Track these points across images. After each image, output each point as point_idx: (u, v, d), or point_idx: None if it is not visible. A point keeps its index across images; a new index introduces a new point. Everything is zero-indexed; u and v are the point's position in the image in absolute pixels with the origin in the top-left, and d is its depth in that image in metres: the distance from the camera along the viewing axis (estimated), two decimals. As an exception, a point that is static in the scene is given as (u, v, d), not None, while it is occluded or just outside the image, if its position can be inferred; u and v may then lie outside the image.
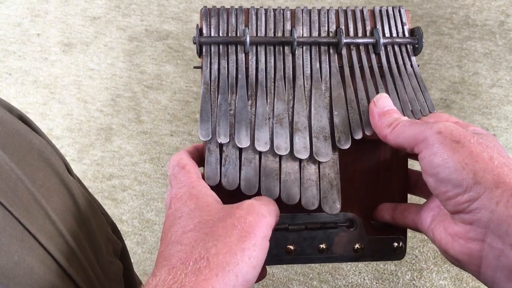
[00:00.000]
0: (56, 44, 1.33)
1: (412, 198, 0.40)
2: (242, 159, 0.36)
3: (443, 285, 0.85)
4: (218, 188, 0.35)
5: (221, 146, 0.36)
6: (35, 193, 0.33)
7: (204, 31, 0.39)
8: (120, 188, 1.00)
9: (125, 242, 0.48)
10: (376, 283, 0.85)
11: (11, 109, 0.37)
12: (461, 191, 0.29)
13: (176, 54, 1.31)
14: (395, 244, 0.39)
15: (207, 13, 0.39)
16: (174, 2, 1.48)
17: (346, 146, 0.36)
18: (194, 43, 0.38)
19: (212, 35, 0.39)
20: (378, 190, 0.40)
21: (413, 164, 0.40)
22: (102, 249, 0.39)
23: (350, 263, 0.87)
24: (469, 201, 0.29)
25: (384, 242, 0.39)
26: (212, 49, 0.38)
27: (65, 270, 0.32)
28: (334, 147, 0.37)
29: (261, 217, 0.29)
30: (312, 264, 0.87)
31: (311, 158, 0.36)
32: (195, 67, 0.40)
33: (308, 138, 0.36)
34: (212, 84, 0.38)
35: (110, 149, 1.08)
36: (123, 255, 0.46)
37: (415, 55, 0.41)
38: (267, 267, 0.40)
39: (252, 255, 0.28)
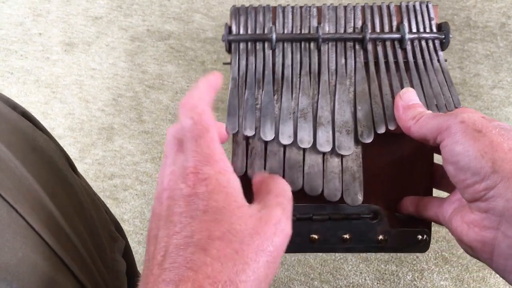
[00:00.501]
0: (58, 44, 1.33)
1: (441, 194, 0.39)
2: (268, 151, 0.37)
3: (444, 286, 0.84)
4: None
5: (247, 138, 0.37)
6: (39, 190, 0.33)
7: (233, 29, 0.40)
8: (121, 188, 1.00)
9: (128, 240, 0.48)
10: (377, 283, 0.85)
11: (15, 107, 0.37)
12: (479, 179, 0.29)
13: (177, 54, 1.31)
14: (419, 236, 0.40)
15: (236, 12, 0.40)
16: (176, 2, 1.48)
17: (369, 140, 0.37)
18: (223, 40, 0.39)
19: (241, 32, 0.40)
20: (402, 183, 0.40)
21: (437, 159, 0.40)
22: (105, 247, 0.39)
23: (351, 263, 0.87)
24: (486, 189, 0.29)
25: (408, 235, 0.40)
26: (240, 46, 0.40)
27: (68, 267, 0.33)
28: (357, 141, 0.37)
29: (285, 237, 0.28)
30: (313, 264, 0.87)
31: (334, 152, 0.37)
32: (224, 63, 0.41)
33: (331, 132, 0.37)
34: (240, 80, 0.39)
35: (111, 149, 1.08)
36: (127, 252, 0.46)
37: (442, 50, 0.40)
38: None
39: (271, 279, 0.27)
